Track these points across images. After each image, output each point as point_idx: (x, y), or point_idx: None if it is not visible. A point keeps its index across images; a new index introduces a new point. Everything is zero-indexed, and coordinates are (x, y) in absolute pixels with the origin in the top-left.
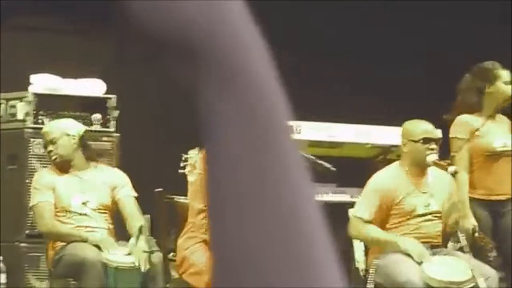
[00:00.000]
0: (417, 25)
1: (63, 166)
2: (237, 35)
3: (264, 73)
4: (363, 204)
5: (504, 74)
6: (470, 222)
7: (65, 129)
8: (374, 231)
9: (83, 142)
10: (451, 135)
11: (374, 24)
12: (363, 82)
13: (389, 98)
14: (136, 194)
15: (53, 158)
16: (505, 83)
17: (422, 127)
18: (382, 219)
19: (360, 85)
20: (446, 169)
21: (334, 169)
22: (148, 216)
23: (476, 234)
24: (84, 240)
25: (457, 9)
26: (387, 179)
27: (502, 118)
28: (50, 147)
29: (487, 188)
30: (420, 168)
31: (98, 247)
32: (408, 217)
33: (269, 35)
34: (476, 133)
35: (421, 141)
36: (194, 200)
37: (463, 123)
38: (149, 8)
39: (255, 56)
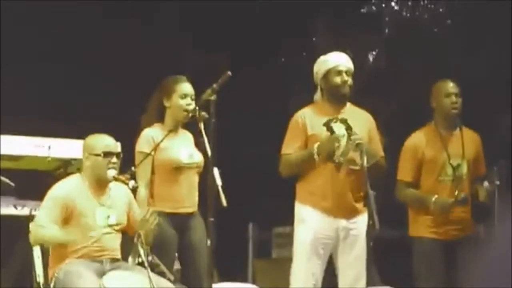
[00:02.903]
0: None
1: None
2: None
3: None
4: (43, 212)
5: (181, 87)
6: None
7: None
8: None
9: None
10: (136, 150)
11: None
12: None
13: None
14: None
15: None
16: (181, 96)
17: (103, 142)
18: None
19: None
20: (127, 184)
21: (12, 184)
22: None
23: (150, 258)
24: None
25: None
26: (67, 188)
27: (185, 132)
28: None
29: (174, 201)
30: (101, 182)
31: None
32: (90, 230)
33: None
34: (160, 146)
35: (101, 155)
36: None
37: (145, 137)
38: None
39: None
